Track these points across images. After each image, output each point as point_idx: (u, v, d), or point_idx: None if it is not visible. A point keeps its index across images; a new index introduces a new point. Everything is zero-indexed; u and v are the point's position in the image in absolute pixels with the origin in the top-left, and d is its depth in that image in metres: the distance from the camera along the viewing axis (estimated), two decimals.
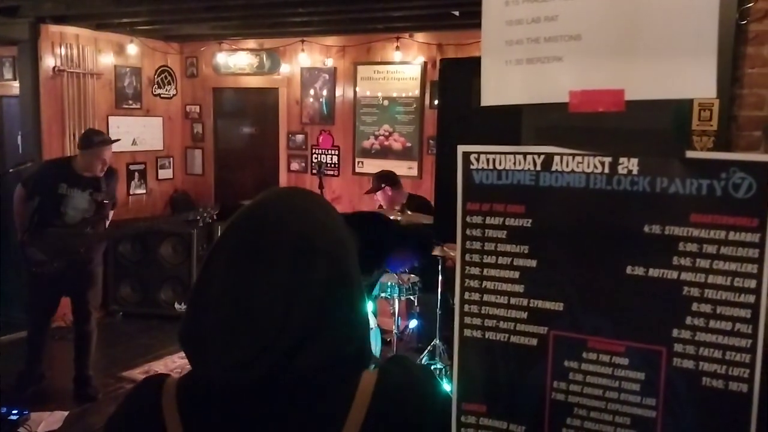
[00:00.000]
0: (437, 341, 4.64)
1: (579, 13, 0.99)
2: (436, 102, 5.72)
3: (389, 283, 4.77)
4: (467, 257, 1.07)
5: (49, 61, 5.62)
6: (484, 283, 1.06)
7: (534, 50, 1.03)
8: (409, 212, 4.57)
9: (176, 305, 5.90)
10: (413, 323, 5.04)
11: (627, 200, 0.99)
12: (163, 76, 6.67)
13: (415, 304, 4.92)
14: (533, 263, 1.03)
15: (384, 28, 5.65)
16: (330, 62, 6.12)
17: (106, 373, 4.77)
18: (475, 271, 1.06)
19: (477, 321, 1.07)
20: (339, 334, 0.83)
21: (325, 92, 6.21)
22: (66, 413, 4.17)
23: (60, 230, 4.17)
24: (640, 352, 0.98)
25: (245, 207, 0.90)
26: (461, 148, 1.05)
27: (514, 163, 1.04)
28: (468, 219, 1.06)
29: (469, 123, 2.25)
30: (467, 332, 1.08)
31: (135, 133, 6.40)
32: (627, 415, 0.99)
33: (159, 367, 5.04)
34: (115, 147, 6.20)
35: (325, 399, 0.84)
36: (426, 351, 4.73)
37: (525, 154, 1.03)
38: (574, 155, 1.01)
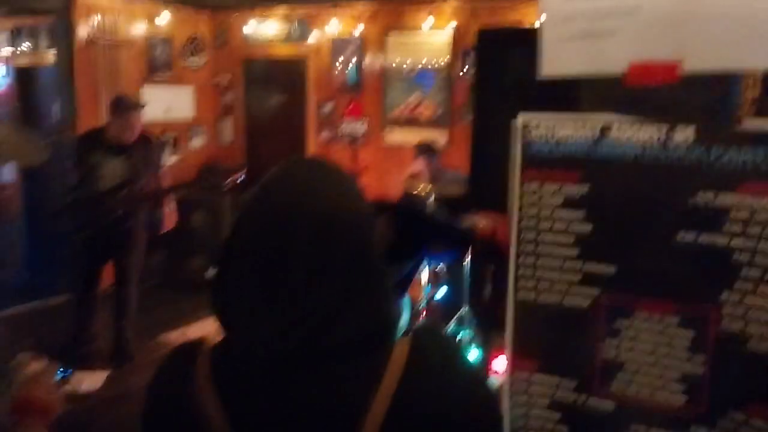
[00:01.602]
0: (465, 309, 4.71)
1: None
2: (465, 69, 5.69)
3: None
4: (523, 223, 1.12)
5: (82, 31, 5.69)
6: (539, 247, 1.11)
7: (592, 23, 1.06)
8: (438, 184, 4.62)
9: (207, 272, 6.05)
10: (442, 291, 5.11)
11: (681, 168, 1.03)
12: (193, 45, 6.71)
13: (444, 272, 4.99)
14: (588, 228, 1.08)
15: None
16: (360, 29, 6.10)
17: (143, 337, 4.90)
18: (531, 236, 1.11)
19: (531, 283, 1.13)
20: (367, 306, 0.85)
21: (354, 60, 6.21)
22: (106, 373, 4.31)
23: (94, 196, 4.29)
24: (690, 313, 1.03)
25: (267, 178, 0.90)
26: (519, 117, 1.09)
27: (572, 132, 1.08)
28: (524, 186, 1.11)
29: (506, 92, 2.27)
30: (521, 294, 1.13)
31: (167, 103, 6.47)
32: (676, 370, 1.04)
33: (193, 331, 5.18)
34: (148, 116, 6.33)
35: (358, 369, 0.85)
36: (454, 319, 4.81)
37: (582, 123, 1.07)
38: (630, 124, 1.05)
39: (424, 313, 4.49)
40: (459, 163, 5.36)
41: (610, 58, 1.07)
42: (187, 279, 6.10)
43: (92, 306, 4.60)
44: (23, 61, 6.33)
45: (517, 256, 1.14)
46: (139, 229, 4.52)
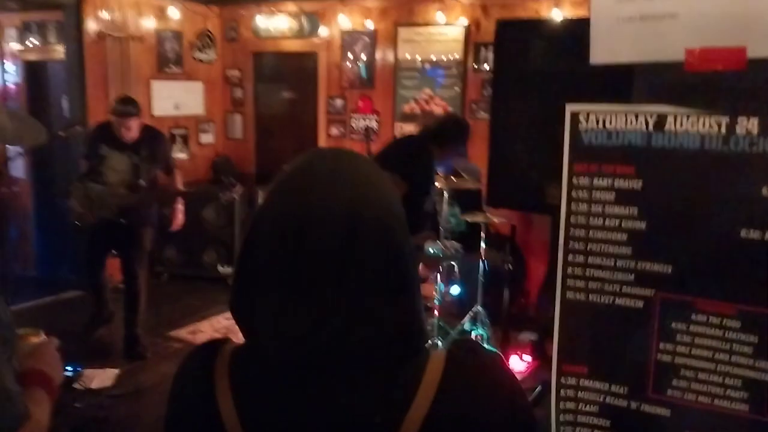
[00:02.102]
0: (478, 307, 4.66)
1: None
2: (475, 65, 5.63)
3: (431, 249, 4.78)
4: (572, 219, 1.05)
5: (92, 26, 5.66)
6: (590, 245, 1.05)
7: (647, 6, 1.00)
8: (453, 178, 4.56)
9: (219, 267, 6.02)
10: (454, 289, 5.06)
11: (744, 162, 0.97)
12: (203, 40, 6.67)
13: (456, 270, 4.94)
14: (642, 225, 1.02)
15: None
16: (370, 24, 6.05)
17: (154, 333, 4.87)
18: (581, 233, 1.05)
19: (580, 284, 1.07)
20: (396, 304, 0.80)
21: (364, 56, 6.15)
22: (117, 371, 4.28)
23: (97, 187, 4.31)
24: (754, 315, 0.97)
25: (289, 171, 0.84)
26: (569, 108, 1.03)
27: (626, 123, 1.01)
28: (574, 180, 1.05)
29: (526, 86, 2.21)
30: (570, 295, 1.07)
31: (177, 98, 6.43)
32: (738, 377, 0.98)
33: (205, 327, 5.16)
34: (158, 111, 6.32)
35: (388, 380, 0.80)
36: (467, 317, 4.76)
37: (637, 114, 1.01)
38: (688, 115, 0.99)
39: (437, 311, 4.44)
40: (470, 158, 5.30)
41: (668, 43, 1.00)
42: (200, 273, 6.08)
43: (99, 292, 4.64)
44: (33, 56, 6.30)
45: (566, 254, 1.08)
46: (142, 225, 4.50)
